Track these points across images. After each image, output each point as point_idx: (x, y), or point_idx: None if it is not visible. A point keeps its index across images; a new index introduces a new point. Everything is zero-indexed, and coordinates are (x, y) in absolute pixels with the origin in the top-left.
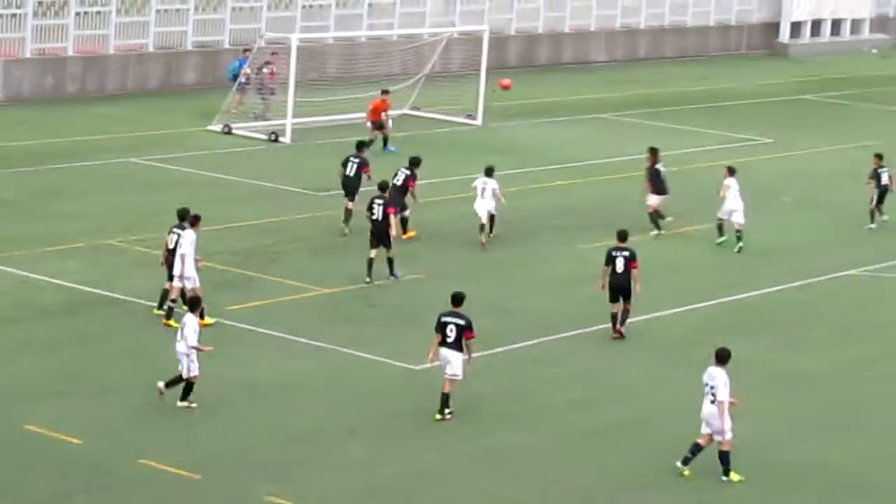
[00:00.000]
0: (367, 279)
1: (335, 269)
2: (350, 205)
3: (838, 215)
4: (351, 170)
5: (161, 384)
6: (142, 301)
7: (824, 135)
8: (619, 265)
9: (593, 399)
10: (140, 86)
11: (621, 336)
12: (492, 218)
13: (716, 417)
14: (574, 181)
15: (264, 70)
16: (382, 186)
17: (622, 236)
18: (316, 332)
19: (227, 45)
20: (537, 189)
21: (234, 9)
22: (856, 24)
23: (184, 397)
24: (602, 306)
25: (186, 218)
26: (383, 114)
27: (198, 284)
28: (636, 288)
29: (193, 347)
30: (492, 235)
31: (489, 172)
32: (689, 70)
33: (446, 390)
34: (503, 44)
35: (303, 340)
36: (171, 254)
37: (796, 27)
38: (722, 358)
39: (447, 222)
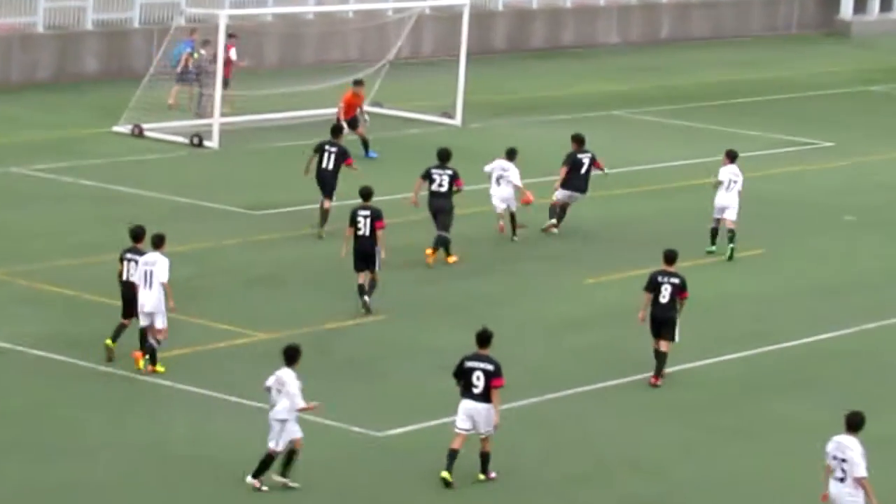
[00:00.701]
0: (363, 309)
1: (275, 307)
2: (327, 203)
3: None
4: (328, 161)
5: (251, 479)
6: (30, 350)
7: None
8: (665, 294)
9: (601, 472)
10: (27, 76)
11: (655, 385)
12: (512, 215)
13: (850, 497)
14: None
15: (201, 52)
16: (366, 193)
17: (670, 258)
18: (252, 390)
19: (136, 25)
20: (530, 206)
21: None
22: None
23: (284, 472)
24: (610, 358)
25: (142, 239)
26: (357, 110)
27: (166, 325)
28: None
29: (301, 409)
30: (514, 238)
31: (511, 155)
32: (724, 55)
33: (483, 449)
34: (488, 22)
35: (234, 400)
36: (126, 287)
37: (861, 0)
38: (855, 424)
39: (418, 248)
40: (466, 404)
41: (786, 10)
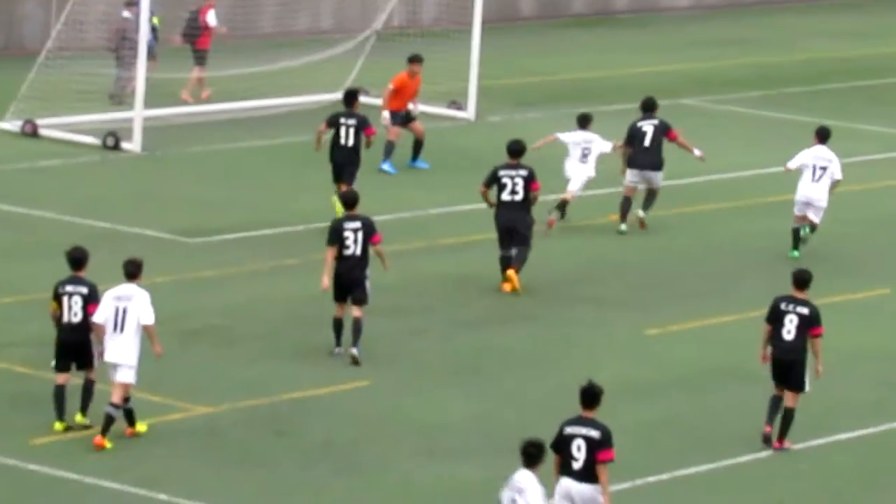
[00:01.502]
0: (338, 348)
1: (220, 370)
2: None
3: None
4: (347, 137)
5: None
6: None
7: None
8: (790, 328)
9: None
10: None
11: (780, 448)
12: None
13: None
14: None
15: (126, 14)
16: (352, 199)
17: (801, 281)
18: (188, 483)
19: None
20: (573, 229)
21: None
22: None
23: None
24: (685, 436)
25: (84, 265)
26: (410, 104)
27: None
28: (816, 367)
29: None
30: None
31: (584, 122)
32: (834, 22)
33: None
34: None
35: (164, 498)
36: (67, 331)
37: None
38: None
39: (414, 284)
40: (565, 483)
41: None
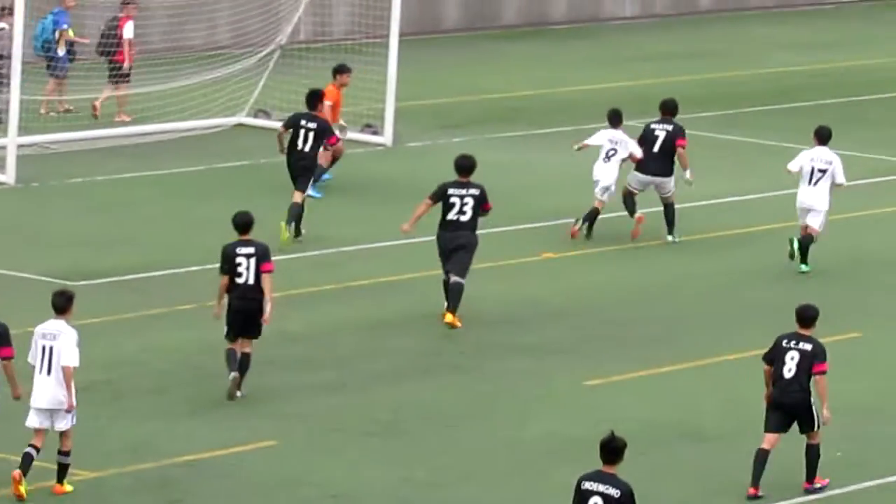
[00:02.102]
0: (233, 390)
1: (104, 430)
2: (300, 197)
3: None
4: (305, 141)
5: None
6: None
7: None
8: (789, 366)
9: None
10: None
11: (811, 489)
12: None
13: None
14: (575, 252)
15: (1, 25)
16: (245, 222)
17: (805, 317)
18: None
19: None
20: (504, 269)
21: None
22: None
23: None
24: None
25: None
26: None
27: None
28: (822, 411)
29: None
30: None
31: (615, 120)
32: (798, 33)
33: None
34: None
35: None
36: None
37: None
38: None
39: (330, 329)
40: None
41: None
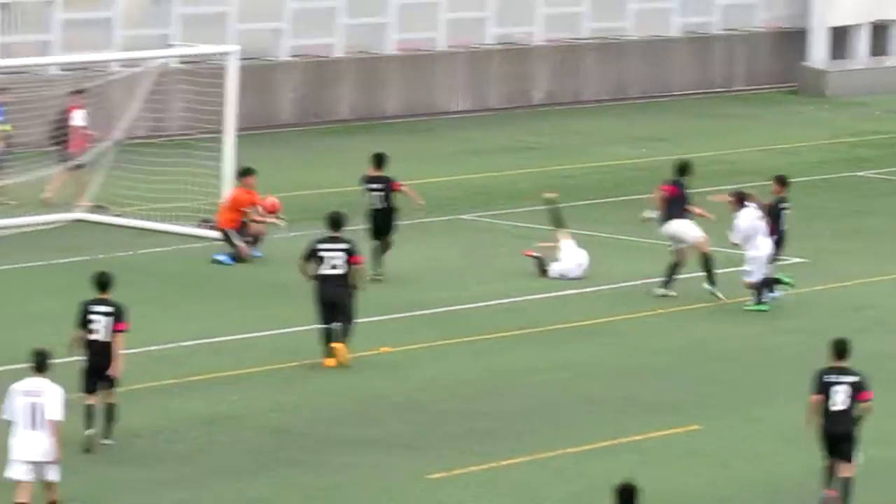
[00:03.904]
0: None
1: None
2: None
3: None
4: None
5: None
6: None
7: None
8: (838, 398)
9: None
10: None
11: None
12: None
13: None
14: (412, 346)
15: None
16: (102, 282)
17: (841, 351)
18: None
19: None
20: (343, 367)
21: None
22: None
23: None
24: None
25: None
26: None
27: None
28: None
29: None
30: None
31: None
32: (632, 125)
33: None
34: (268, 79)
35: None
36: None
37: (841, 38)
38: None
39: (170, 424)
40: None
41: (723, 55)
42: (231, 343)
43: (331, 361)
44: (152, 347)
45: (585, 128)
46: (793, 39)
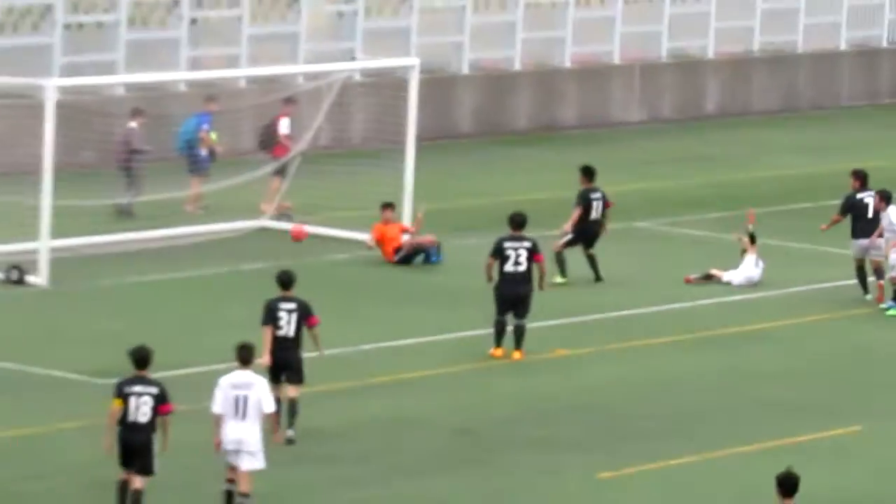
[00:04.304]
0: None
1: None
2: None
3: None
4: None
5: None
6: None
7: None
8: None
9: None
10: None
11: None
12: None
13: None
14: (585, 350)
15: (131, 125)
16: (286, 280)
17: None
18: None
19: None
20: (519, 367)
21: None
22: None
23: None
24: None
25: (148, 364)
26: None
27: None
28: None
29: None
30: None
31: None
32: (800, 136)
33: None
34: (449, 92)
35: None
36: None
37: None
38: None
39: (352, 426)
40: None
41: (891, 67)
42: (410, 346)
43: (498, 352)
44: (334, 350)
45: (752, 138)
46: None
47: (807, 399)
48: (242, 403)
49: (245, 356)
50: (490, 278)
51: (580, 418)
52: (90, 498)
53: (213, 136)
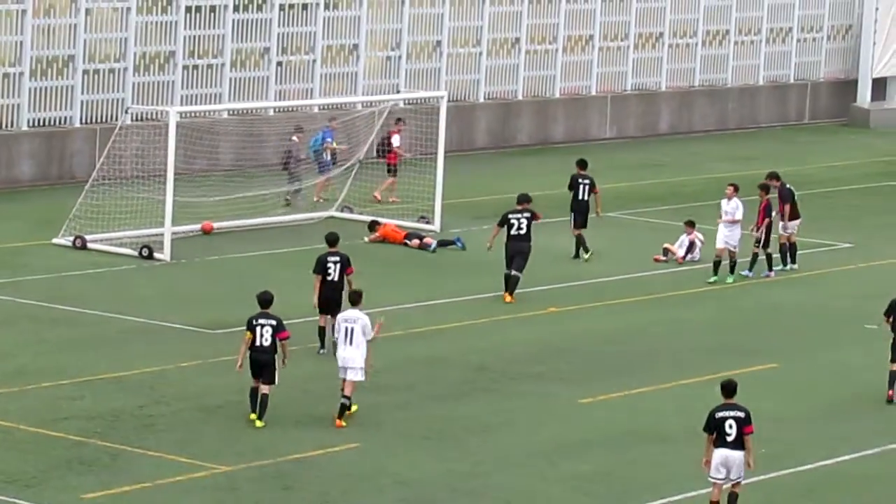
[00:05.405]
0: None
1: (235, 437)
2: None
3: None
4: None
5: None
6: None
7: None
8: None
9: None
10: None
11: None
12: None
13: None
14: (572, 307)
15: (293, 139)
16: (332, 239)
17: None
18: None
19: (77, 124)
20: (521, 319)
21: (84, 72)
22: None
23: None
24: (612, 486)
25: (270, 304)
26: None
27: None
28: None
29: None
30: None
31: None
32: (731, 148)
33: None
34: (469, 116)
35: None
36: (258, 351)
37: (880, 86)
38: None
39: (399, 364)
40: (720, 452)
41: (797, 98)
42: (440, 305)
43: (508, 297)
44: (387, 308)
45: (698, 149)
46: (846, 87)
47: (735, 343)
48: (350, 333)
49: (355, 298)
50: (490, 245)
51: (566, 358)
52: (203, 418)
53: (335, 144)
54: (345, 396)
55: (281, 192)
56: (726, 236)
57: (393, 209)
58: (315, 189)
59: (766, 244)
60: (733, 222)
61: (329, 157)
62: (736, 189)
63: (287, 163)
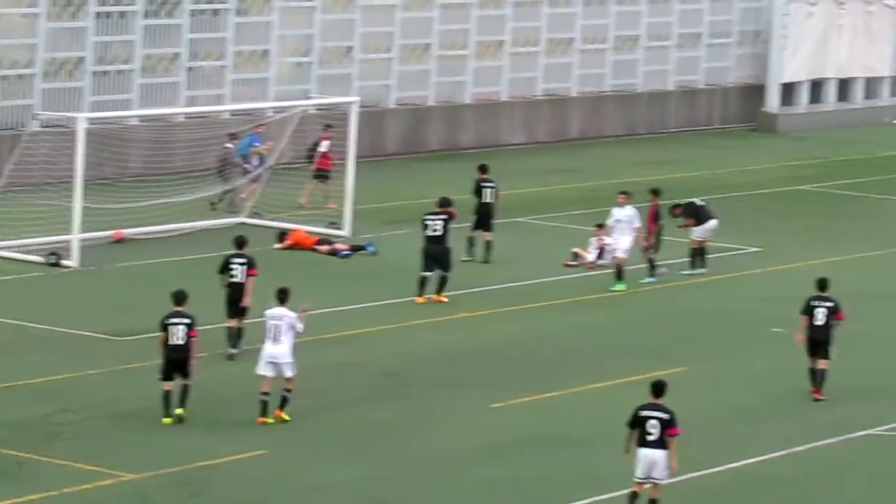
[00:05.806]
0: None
1: (142, 444)
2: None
3: (855, 350)
4: (484, 195)
5: None
6: None
7: (831, 240)
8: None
9: None
10: None
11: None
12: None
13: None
14: (484, 312)
15: (228, 145)
16: (240, 241)
17: (822, 285)
18: None
19: None
20: (434, 324)
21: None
22: (872, 86)
23: None
24: (523, 491)
25: (184, 302)
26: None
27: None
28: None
29: None
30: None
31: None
32: (640, 153)
33: (652, 496)
34: (379, 121)
35: None
36: (172, 350)
37: (789, 91)
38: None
39: (308, 369)
40: (643, 451)
41: (706, 103)
42: (351, 311)
43: (420, 300)
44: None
45: (607, 155)
46: (754, 92)
47: (645, 347)
48: (276, 330)
49: (282, 296)
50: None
51: (479, 362)
52: (111, 426)
53: (263, 149)
54: (286, 390)
55: (209, 196)
56: (618, 243)
57: (303, 215)
58: (245, 193)
59: (657, 249)
60: (634, 230)
61: (257, 162)
62: (628, 196)
63: (222, 169)
